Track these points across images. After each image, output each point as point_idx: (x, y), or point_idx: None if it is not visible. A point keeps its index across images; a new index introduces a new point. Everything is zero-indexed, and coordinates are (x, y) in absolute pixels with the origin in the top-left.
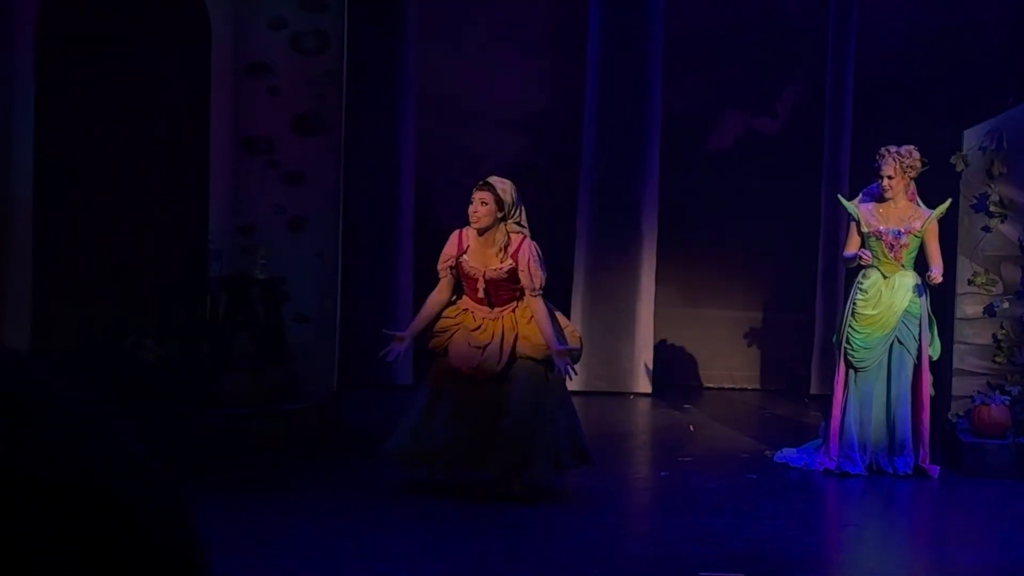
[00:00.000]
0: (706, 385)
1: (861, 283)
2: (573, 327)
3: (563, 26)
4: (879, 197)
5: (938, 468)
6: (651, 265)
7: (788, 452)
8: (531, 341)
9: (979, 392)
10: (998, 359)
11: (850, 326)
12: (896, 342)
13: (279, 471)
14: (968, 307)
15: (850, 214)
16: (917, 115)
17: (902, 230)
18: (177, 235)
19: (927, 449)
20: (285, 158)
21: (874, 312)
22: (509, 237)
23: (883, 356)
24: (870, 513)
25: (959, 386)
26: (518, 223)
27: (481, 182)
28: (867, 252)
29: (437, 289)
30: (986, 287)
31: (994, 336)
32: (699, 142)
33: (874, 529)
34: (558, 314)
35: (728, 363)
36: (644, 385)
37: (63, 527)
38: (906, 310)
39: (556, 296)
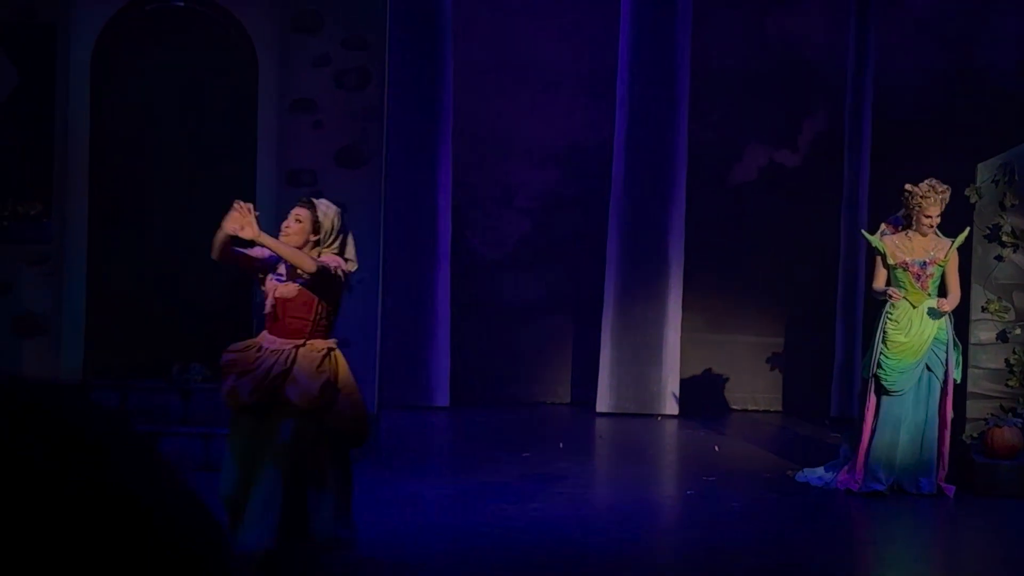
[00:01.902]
0: (731, 407)
1: (891, 313)
2: (356, 396)
3: (594, 64)
4: (901, 228)
5: (954, 488)
6: (678, 292)
7: (809, 472)
8: (300, 387)
9: (992, 415)
10: (1010, 383)
11: (883, 353)
12: (925, 368)
13: None
14: (982, 333)
15: (875, 248)
16: (932, 149)
17: (927, 260)
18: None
19: (946, 469)
20: (328, 190)
21: (906, 340)
22: None
23: (916, 380)
24: (888, 531)
25: (973, 409)
26: (337, 254)
27: (305, 199)
28: (896, 291)
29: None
30: (999, 314)
31: (1007, 361)
32: (724, 174)
33: (893, 547)
34: (348, 376)
35: (751, 386)
36: (671, 407)
37: (96, 535)
38: (935, 337)
39: (587, 322)
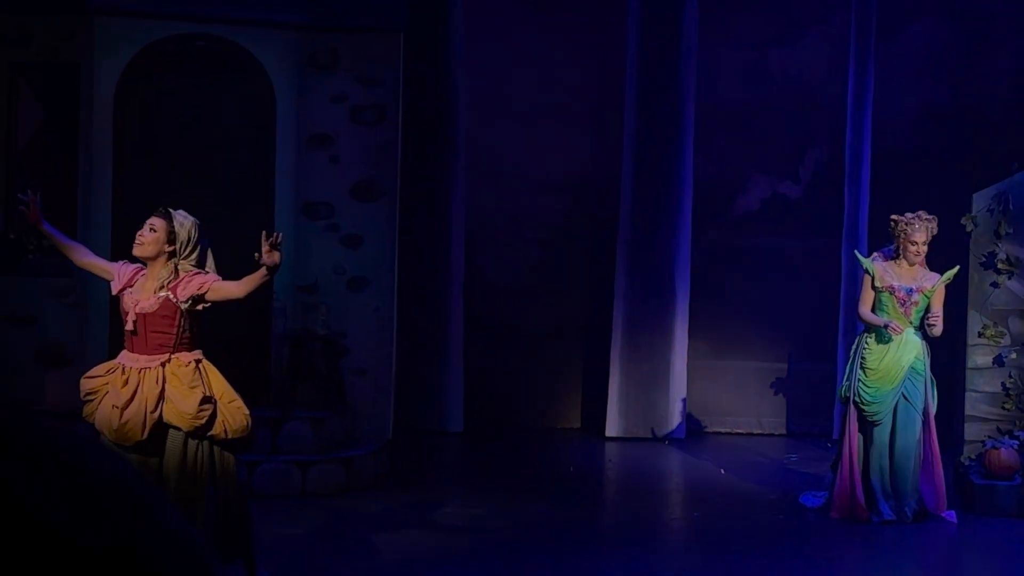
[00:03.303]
0: (735, 431)
1: (869, 338)
2: (237, 403)
3: (601, 98)
4: (894, 258)
5: (954, 512)
6: (684, 320)
7: (810, 494)
8: (176, 407)
9: (990, 437)
10: (1007, 406)
11: (860, 380)
12: (902, 398)
13: (340, 512)
14: (978, 358)
15: (865, 269)
16: (929, 179)
17: (914, 288)
18: None
19: (944, 499)
20: (344, 222)
21: (881, 367)
22: (176, 273)
23: (892, 408)
24: (890, 551)
25: (971, 431)
26: (194, 265)
27: (162, 208)
28: (898, 325)
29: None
30: (995, 339)
31: (1003, 384)
32: (728, 205)
33: (895, 566)
34: (222, 383)
35: (756, 410)
36: (679, 431)
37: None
38: (911, 366)
39: (596, 349)
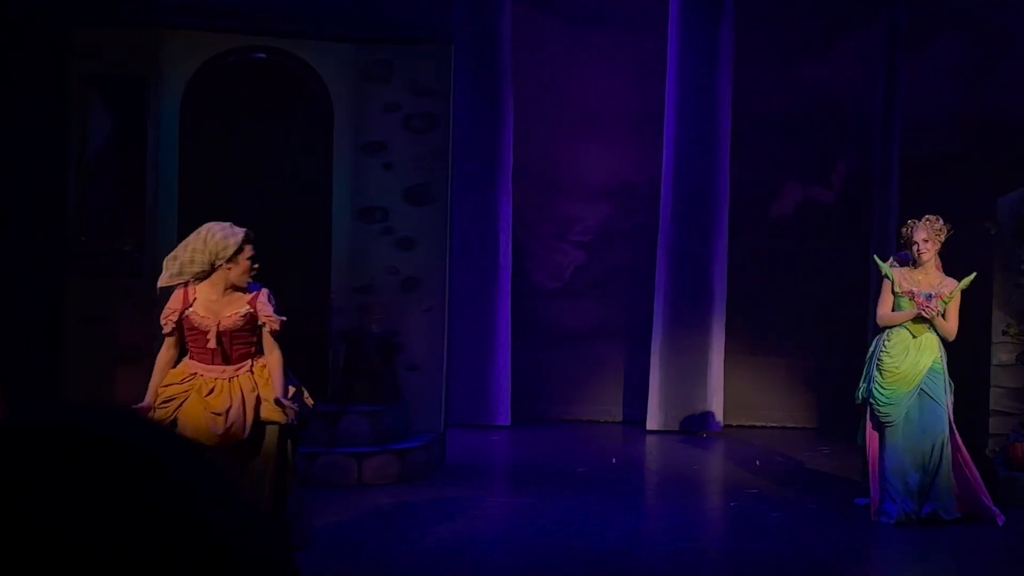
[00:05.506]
0: (769, 425)
1: (887, 340)
2: (303, 393)
3: (642, 108)
4: (910, 264)
5: (1003, 518)
6: (721, 319)
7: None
8: (270, 403)
9: (1013, 431)
10: None
11: (876, 382)
12: (924, 394)
13: (393, 502)
14: (1003, 355)
15: (885, 274)
16: (956, 185)
17: (933, 293)
18: (303, 294)
19: (989, 498)
20: (398, 225)
21: (899, 369)
22: (244, 285)
23: (908, 409)
24: (916, 540)
25: (995, 425)
26: (232, 257)
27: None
28: (926, 303)
29: (164, 347)
30: (1018, 337)
31: None
32: (762, 209)
33: (919, 555)
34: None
35: (789, 405)
36: (715, 425)
37: (166, 560)
38: (931, 368)
39: (637, 346)
